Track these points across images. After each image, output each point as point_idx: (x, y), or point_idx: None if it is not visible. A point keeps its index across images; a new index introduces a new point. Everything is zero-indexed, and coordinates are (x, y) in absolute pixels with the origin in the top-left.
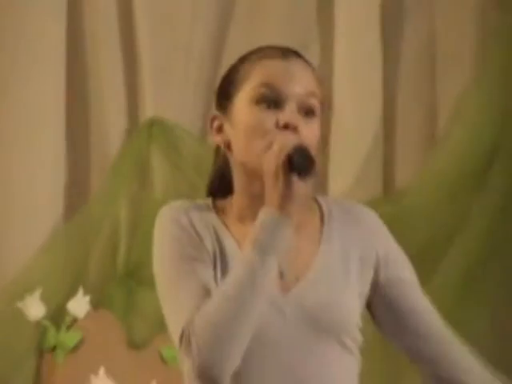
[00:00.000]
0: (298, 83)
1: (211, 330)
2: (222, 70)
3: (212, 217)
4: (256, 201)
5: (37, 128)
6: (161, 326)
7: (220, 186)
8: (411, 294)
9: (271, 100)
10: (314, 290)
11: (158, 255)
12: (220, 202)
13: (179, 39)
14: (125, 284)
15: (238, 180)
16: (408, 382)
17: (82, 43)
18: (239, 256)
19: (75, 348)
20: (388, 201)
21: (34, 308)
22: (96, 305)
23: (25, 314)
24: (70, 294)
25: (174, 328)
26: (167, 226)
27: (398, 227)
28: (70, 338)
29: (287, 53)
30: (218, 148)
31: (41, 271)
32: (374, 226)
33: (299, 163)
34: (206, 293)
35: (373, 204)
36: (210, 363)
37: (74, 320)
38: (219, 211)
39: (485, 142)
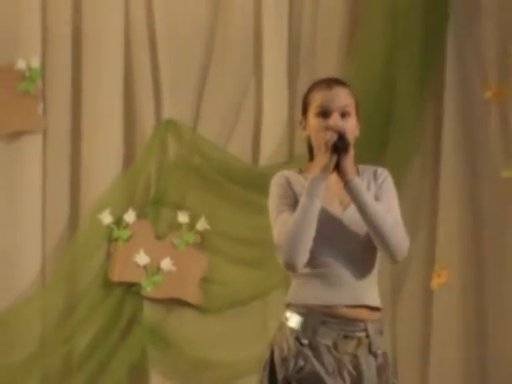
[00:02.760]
0: (338, 101)
1: (287, 242)
2: (207, 88)
3: (299, 177)
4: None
5: (107, 125)
6: (172, 227)
7: (310, 155)
8: (385, 200)
9: (323, 114)
10: (355, 210)
11: (269, 200)
12: (307, 165)
13: (184, 69)
14: (153, 206)
15: (316, 152)
16: None
17: (132, 75)
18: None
19: (127, 239)
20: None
21: (106, 217)
22: (139, 216)
23: (101, 221)
24: (125, 210)
25: (274, 242)
26: (273, 185)
27: None
28: (124, 233)
29: (331, 83)
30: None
31: (110, 198)
32: (381, 174)
33: (339, 147)
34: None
35: (279, 164)
36: (288, 261)
37: (127, 224)
38: (304, 172)
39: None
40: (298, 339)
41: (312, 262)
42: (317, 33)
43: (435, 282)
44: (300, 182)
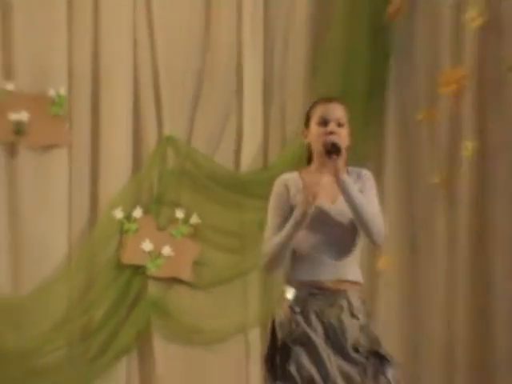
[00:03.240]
0: (334, 113)
1: (269, 258)
2: (198, 111)
3: (298, 179)
4: (321, 164)
5: (119, 141)
6: (171, 221)
7: (308, 159)
8: (367, 195)
9: (323, 123)
10: (342, 205)
11: (270, 201)
12: (306, 168)
13: (180, 96)
14: (156, 205)
15: (315, 156)
16: None
17: (139, 101)
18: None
19: (135, 230)
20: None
21: (118, 214)
22: (144, 213)
23: (115, 216)
24: (133, 208)
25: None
26: (273, 190)
27: (272, 179)
28: (133, 226)
29: (330, 99)
30: (307, 144)
31: (121, 198)
32: (365, 175)
33: (332, 150)
34: (278, 230)
35: (256, 171)
36: (266, 268)
37: (135, 219)
38: (303, 173)
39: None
40: (291, 308)
41: (304, 246)
42: (287, 69)
43: (380, 265)
44: (297, 185)
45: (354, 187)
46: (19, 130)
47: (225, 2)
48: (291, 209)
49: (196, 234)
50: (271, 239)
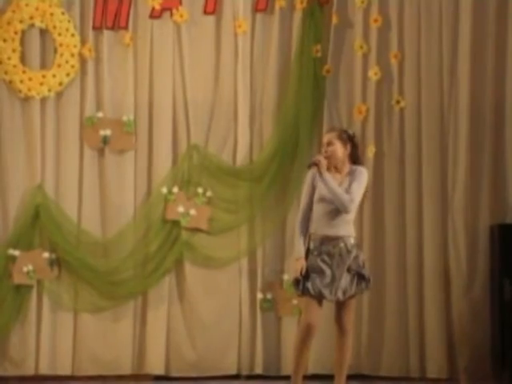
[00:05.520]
0: (326, 140)
1: (299, 220)
2: (212, 128)
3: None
4: (330, 168)
5: (165, 147)
6: (195, 194)
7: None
8: (352, 184)
9: (323, 145)
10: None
11: (304, 184)
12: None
13: (200, 119)
14: (186, 185)
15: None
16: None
17: (176, 123)
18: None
19: (173, 200)
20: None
21: (164, 190)
22: (179, 189)
23: (162, 191)
24: (172, 186)
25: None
26: (306, 179)
27: (255, 169)
28: (172, 197)
29: (329, 130)
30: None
31: (165, 180)
32: (357, 170)
33: (312, 164)
34: (304, 205)
35: (245, 165)
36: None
37: (174, 193)
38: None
39: (287, 138)
40: (312, 253)
41: (315, 214)
42: (263, 103)
43: None
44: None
45: (330, 180)
46: (105, 141)
47: (226, 62)
48: (314, 187)
49: (209, 202)
50: (300, 212)
